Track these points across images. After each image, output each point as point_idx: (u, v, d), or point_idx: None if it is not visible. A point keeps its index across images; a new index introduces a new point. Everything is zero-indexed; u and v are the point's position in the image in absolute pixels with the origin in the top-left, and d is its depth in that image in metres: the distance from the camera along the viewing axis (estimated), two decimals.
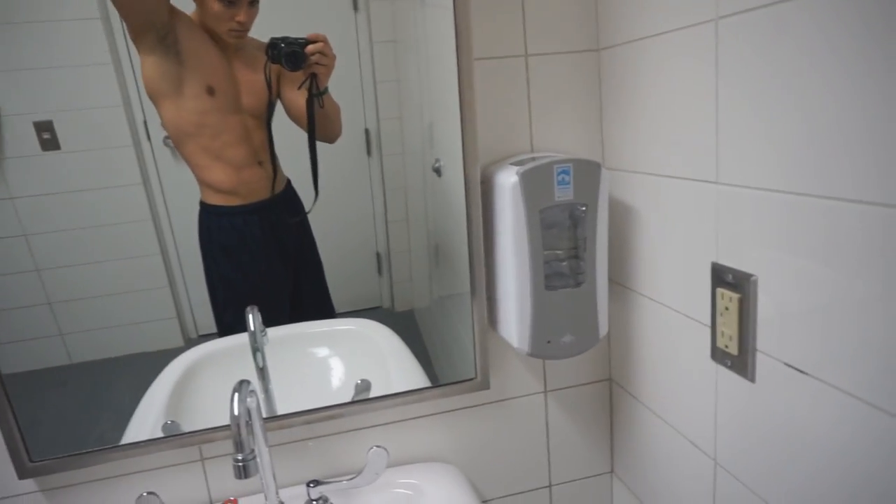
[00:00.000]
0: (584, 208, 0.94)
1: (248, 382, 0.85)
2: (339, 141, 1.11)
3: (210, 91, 1.07)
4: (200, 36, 1.04)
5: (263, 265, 1.20)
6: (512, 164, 0.95)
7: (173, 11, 1.01)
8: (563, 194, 0.91)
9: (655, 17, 0.84)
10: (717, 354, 0.82)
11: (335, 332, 1.26)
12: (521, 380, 1.11)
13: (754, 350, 0.75)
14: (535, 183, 0.90)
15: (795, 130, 0.63)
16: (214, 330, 1.14)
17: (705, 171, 0.79)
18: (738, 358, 0.78)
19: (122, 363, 1.28)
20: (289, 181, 1.19)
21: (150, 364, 1.15)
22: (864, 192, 0.56)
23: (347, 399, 1.06)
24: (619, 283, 1.06)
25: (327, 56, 0.98)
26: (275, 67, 1.02)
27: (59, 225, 1.51)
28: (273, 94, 1.04)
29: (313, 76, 0.99)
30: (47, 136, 1.66)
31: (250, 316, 1.08)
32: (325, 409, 1.02)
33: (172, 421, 1.05)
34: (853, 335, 0.60)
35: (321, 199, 1.16)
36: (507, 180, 0.91)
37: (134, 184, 1.74)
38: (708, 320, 0.83)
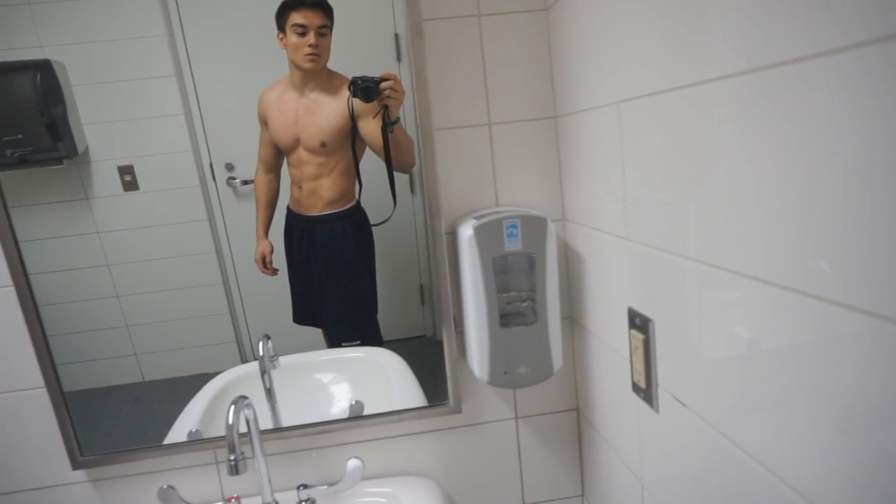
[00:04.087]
0: (534, 256, 1.08)
1: (245, 398, 1.04)
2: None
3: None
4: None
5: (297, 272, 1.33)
6: (474, 217, 1.11)
7: None
8: (513, 245, 1.06)
9: (587, 96, 0.99)
10: (634, 387, 0.94)
11: (345, 359, 1.41)
12: (494, 406, 1.25)
13: (656, 384, 0.87)
14: (487, 235, 1.05)
15: (675, 193, 0.77)
16: (270, 354, 1.30)
17: (619, 228, 0.92)
18: (647, 391, 0.89)
19: (187, 382, 1.42)
20: (335, 215, 1.32)
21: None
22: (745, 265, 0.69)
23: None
24: (578, 321, 1.19)
25: (397, 91, 1.14)
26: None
27: (136, 256, 1.75)
28: (353, 123, 1.19)
29: (385, 108, 1.15)
30: (128, 178, 1.93)
31: (261, 343, 1.27)
32: (318, 424, 1.19)
33: (197, 430, 1.25)
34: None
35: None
36: (466, 233, 1.07)
37: (200, 220, 1.97)
38: (629, 356, 0.95)
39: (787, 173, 0.53)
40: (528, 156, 1.16)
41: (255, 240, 1.46)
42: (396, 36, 1.94)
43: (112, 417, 1.23)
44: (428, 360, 1.33)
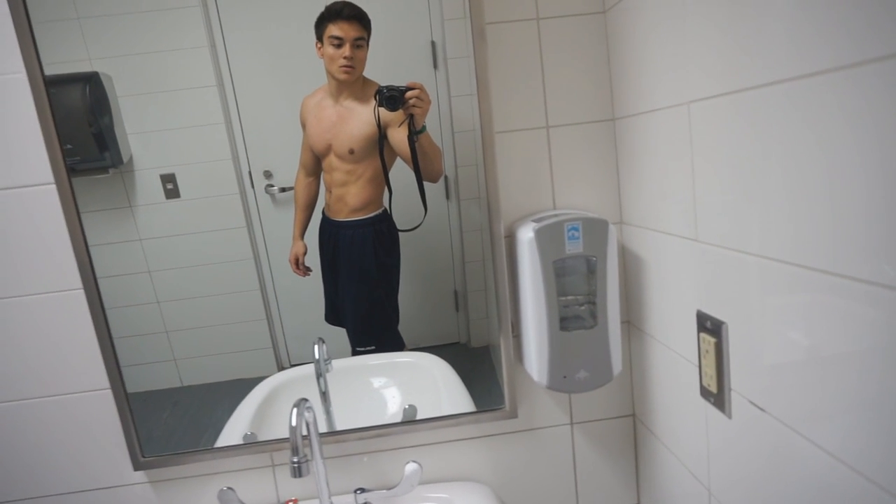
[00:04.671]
0: (595, 259, 1.07)
1: (307, 400, 1.04)
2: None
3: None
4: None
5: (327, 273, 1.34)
6: (533, 220, 1.10)
7: None
8: (574, 248, 1.05)
9: (651, 98, 0.98)
10: (703, 392, 0.92)
11: (394, 364, 1.41)
12: (549, 412, 1.23)
13: (729, 389, 0.85)
14: (548, 238, 1.05)
15: (746, 193, 0.75)
16: (305, 360, 1.31)
17: (686, 229, 0.91)
18: (718, 396, 0.88)
19: (224, 388, 1.43)
20: (359, 222, 1.33)
21: (248, 390, 1.33)
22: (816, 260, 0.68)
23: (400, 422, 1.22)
24: (637, 326, 1.17)
25: (423, 100, 1.16)
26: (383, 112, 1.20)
27: (177, 263, 1.77)
28: (380, 131, 1.22)
29: (411, 116, 1.17)
30: (170, 186, 1.96)
31: (316, 347, 1.28)
32: (373, 428, 1.19)
33: (252, 433, 1.26)
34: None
35: (404, 242, 1.32)
36: (526, 235, 1.06)
37: (239, 227, 1.99)
38: (697, 361, 0.93)
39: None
40: (585, 158, 1.15)
41: (289, 245, 1.45)
42: (433, 44, 1.95)
43: (152, 421, 1.25)
44: (463, 367, 1.33)
